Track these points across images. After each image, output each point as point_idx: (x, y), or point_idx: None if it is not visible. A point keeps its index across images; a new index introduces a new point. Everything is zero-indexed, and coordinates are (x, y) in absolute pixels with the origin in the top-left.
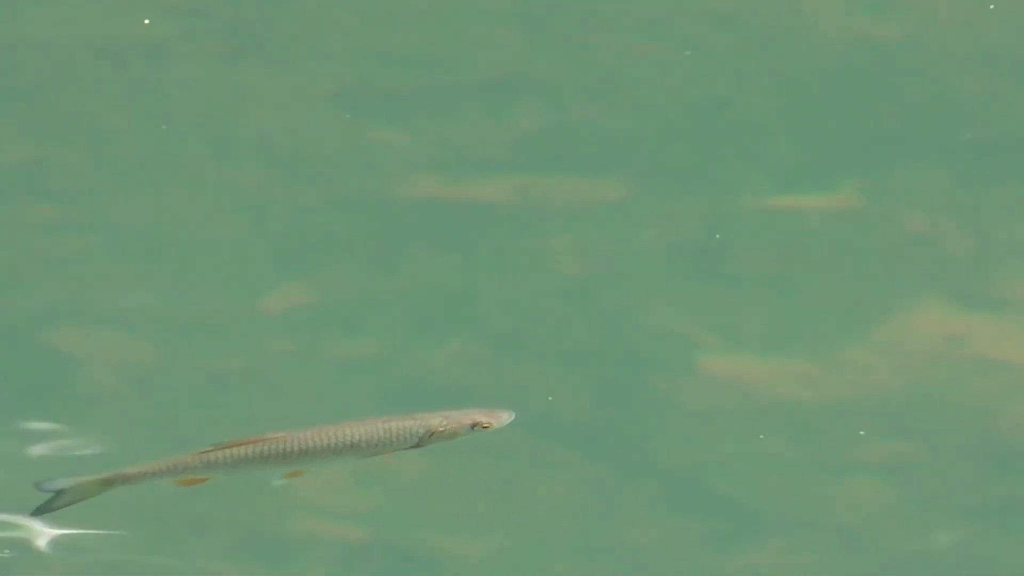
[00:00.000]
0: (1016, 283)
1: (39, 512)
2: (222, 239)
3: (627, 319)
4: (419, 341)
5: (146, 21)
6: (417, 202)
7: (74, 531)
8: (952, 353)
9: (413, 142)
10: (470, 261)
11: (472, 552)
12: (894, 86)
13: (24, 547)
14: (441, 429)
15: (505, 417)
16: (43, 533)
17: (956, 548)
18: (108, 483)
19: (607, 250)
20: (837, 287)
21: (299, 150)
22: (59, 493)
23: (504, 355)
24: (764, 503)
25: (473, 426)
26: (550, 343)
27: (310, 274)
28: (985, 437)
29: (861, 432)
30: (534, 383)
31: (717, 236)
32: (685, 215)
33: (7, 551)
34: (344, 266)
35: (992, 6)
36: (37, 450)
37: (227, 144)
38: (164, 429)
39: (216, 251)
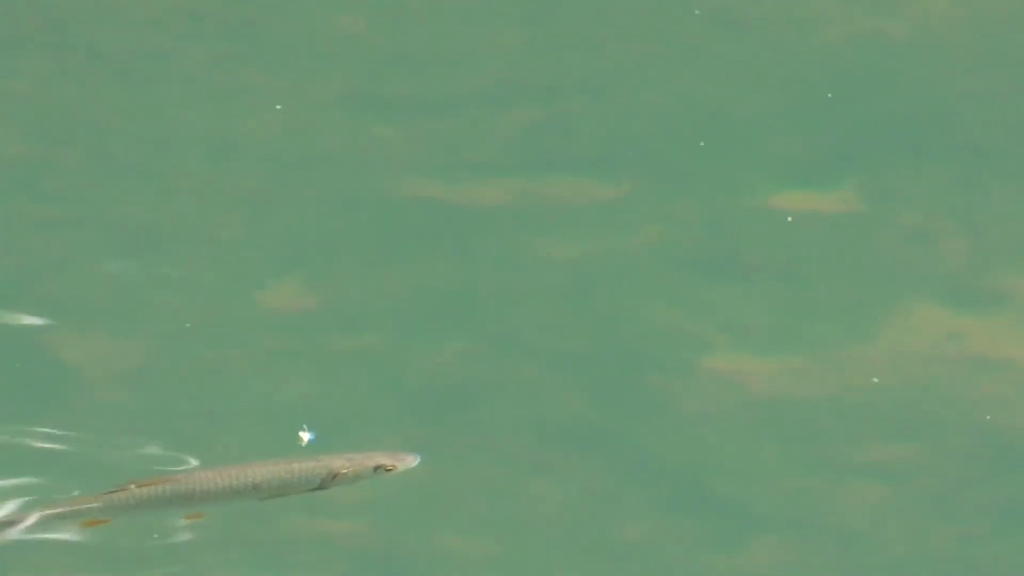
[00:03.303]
0: (1015, 282)
1: None
2: (222, 239)
3: (627, 319)
4: (418, 341)
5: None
6: (416, 202)
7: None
8: (951, 353)
9: (413, 142)
10: (470, 261)
11: (471, 552)
12: (894, 86)
13: None
14: (344, 471)
15: (410, 460)
16: None
17: (956, 548)
18: (10, 525)
19: (607, 250)
20: (837, 287)
21: (299, 150)
22: None
23: (503, 355)
24: (764, 503)
25: (376, 468)
26: (549, 343)
27: (309, 274)
28: (985, 436)
29: None
30: (533, 383)
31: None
32: (684, 215)
33: None
34: (343, 266)
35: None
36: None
37: (227, 144)
38: (163, 429)
39: (216, 251)
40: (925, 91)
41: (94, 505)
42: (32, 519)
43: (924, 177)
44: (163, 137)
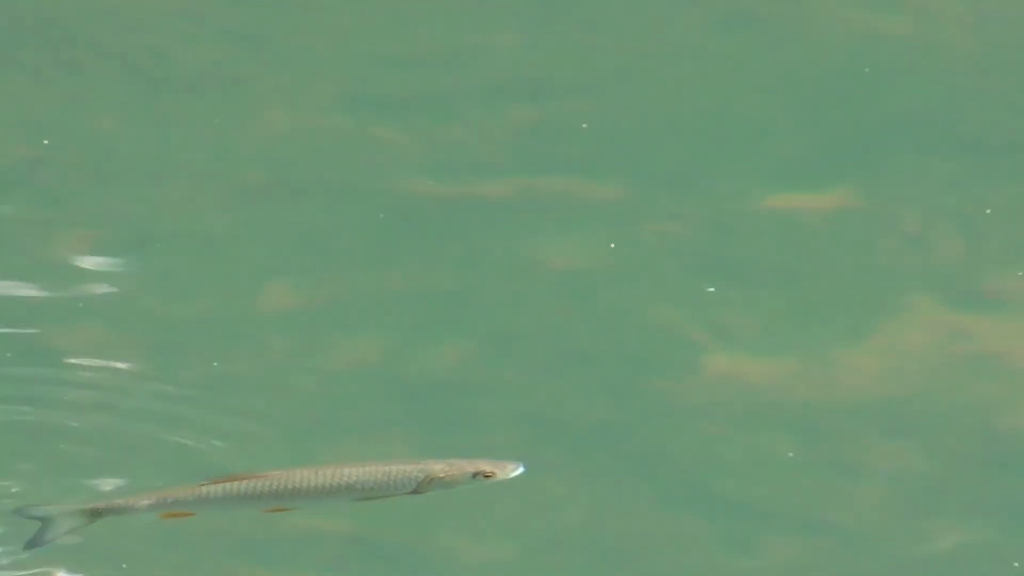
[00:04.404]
0: (1014, 283)
1: (31, 546)
2: (220, 239)
3: (627, 319)
4: (418, 342)
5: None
6: (416, 203)
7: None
8: (951, 353)
9: (412, 142)
10: (470, 262)
11: (471, 551)
12: (894, 86)
13: None
14: (441, 476)
15: (511, 468)
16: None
17: (956, 548)
18: (96, 514)
19: (607, 250)
20: (837, 286)
21: (298, 150)
22: (45, 523)
23: (504, 356)
24: (765, 503)
25: (475, 475)
26: (550, 343)
27: (308, 275)
28: (985, 437)
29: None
30: (534, 384)
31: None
32: (685, 215)
33: None
34: (343, 267)
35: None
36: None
37: (226, 144)
38: (162, 432)
39: (214, 251)
40: (924, 90)
41: (184, 497)
42: (118, 510)
43: (924, 177)
44: (162, 137)
